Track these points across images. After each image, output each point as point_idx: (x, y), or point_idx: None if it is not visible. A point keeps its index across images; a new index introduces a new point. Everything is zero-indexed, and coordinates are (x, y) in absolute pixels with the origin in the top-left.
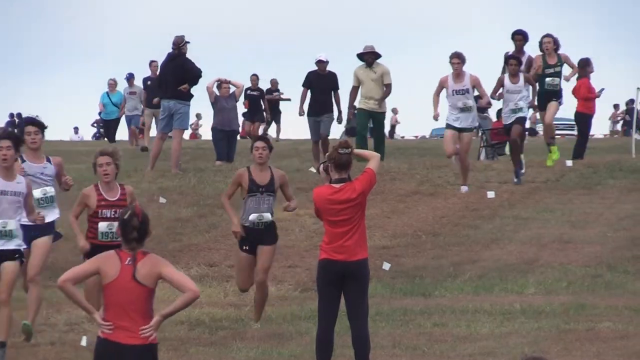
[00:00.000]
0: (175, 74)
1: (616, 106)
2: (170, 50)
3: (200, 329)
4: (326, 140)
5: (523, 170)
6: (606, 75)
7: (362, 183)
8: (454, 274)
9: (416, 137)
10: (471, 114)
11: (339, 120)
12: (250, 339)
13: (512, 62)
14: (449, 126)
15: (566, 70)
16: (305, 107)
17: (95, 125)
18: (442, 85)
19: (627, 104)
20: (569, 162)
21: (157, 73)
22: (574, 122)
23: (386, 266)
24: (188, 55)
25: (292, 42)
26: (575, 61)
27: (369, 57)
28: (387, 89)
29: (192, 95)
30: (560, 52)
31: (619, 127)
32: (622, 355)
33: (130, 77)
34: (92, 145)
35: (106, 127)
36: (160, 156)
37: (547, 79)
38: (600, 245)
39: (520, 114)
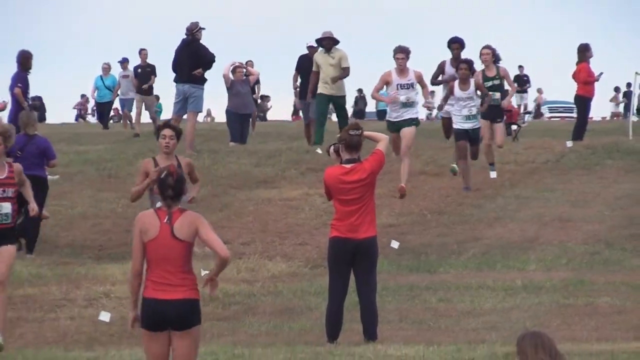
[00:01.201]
0: (190, 59)
1: (617, 89)
2: (184, 36)
3: (214, 305)
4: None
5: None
6: (608, 59)
7: (371, 163)
8: (458, 252)
9: (422, 118)
10: (413, 108)
11: None
12: (262, 313)
13: (463, 66)
14: (389, 125)
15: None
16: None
17: (77, 107)
18: (385, 80)
19: (626, 86)
20: (569, 143)
21: (146, 61)
22: (573, 105)
23: (395, 244)
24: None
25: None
26: (548, 60)
27: (327, 43)
28: (344, 71)
29: (205, 80)
30: (500, 65)
31: (621, 108)
32: (619, 329)
33: (124, 61)
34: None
35: (100, 109)
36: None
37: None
38: (599, 224)
39: (474, 122)
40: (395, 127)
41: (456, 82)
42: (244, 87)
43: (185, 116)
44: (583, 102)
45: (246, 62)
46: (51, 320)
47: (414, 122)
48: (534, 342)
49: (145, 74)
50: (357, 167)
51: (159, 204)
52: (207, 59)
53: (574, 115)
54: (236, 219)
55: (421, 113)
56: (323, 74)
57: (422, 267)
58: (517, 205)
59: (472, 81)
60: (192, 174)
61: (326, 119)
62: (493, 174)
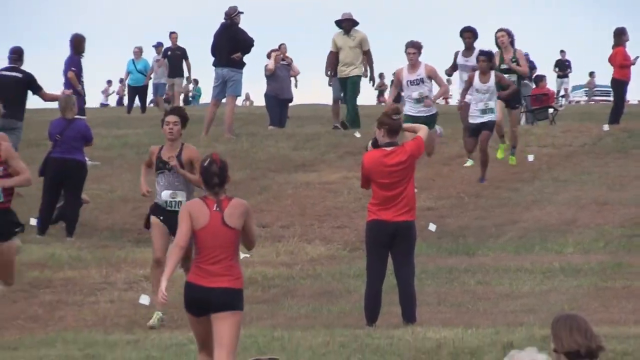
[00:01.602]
0: (229, 43)
1: None
2: (223, 20)
3: (253, 287)
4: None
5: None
6: None
7: (411, 147)
8: (497, 234)
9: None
10: (430, 105)
11: (371, 78)
12: (301, 296)
13: (482, 58)
14: (407, 119)
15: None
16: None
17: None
18: (397, 78)
19: None
20: (606, 127)
21: (176, 44)
22: (610, 89)
23: (432, 227)
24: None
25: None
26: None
27: (347, 24)
28: (368, 56)
29: (244, 64)
30: (516, 47)
31: None
32: None
33: (158, 46)
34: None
35: (132, 93)
36: (214, 122)
37: (505, 75)
38: (635, 207)
39: (490, 116)
40: (413, 122)
41: (476, 73)
42: (282, 71)
43: (224, 100)
44: (619, 85)
45: (279, 46)
46: (91, 303)
47: (433, 117)
48: (568, 324)
49: (175, 56)
50: (398, 150)
51: (167, 197)
52: (246, 43)
53: (611, 98)
54: (275, 202)
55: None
56: (342, 55)
57: (460, 250)
58: (555, 189)
59: (492, 74)
60: (195, 165)
61: (355, 100)
62: (530, 157)
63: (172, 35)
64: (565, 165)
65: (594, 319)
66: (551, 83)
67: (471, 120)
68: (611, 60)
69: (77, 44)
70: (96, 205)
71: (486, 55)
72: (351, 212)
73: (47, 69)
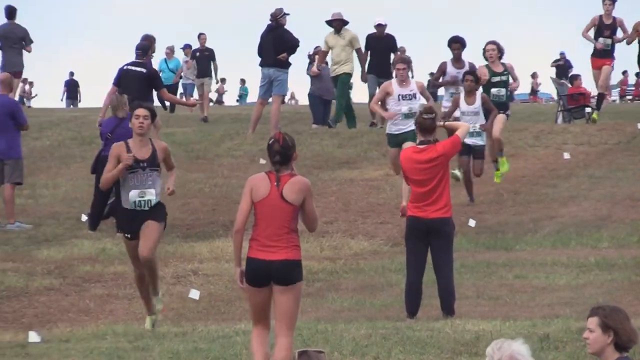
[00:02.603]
0: (275, 44)
1: None
2: (269, 21)
3: None
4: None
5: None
6: None
7: (444, 146)
8: (534, 230)
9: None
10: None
11: (363, 78)
12: (345, 290)
13: (469, 78)
14: (390, 140)
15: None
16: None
17: None
18: (385, 91)
19: None
20: None
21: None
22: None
23: (472, 223)
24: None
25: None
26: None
27: (337, 24)
28: (359, 54)
29: (290, 64)
30: (504, 61)
31: None
32: None
33: (186, 47)
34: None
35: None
36: (260, 120)
37: (493, 90)
38: None
39: (477, 139)
40: (395, 141)
41: (462, 95)
42: (325, 72)
43: (270, 99)
44: None
45: (316, 48)
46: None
47: (413, 133)
48: (626, 316)
49: (204, 57)
50: (429, 148)
51: (135, 197)
52: (291, 44)
53: None
54: (319, 198)
55: None
56: (333, 54)
57: (498, 245)
58: (590, 185)
59: (478, 94)
60: (167, 160)
61: (345, 98)
62: (567, 155)
63: (202, 36)
64: (600, 163)
65: (629, 312)
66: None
67: None
68: None
69: (145, 46)
70: None
71: (473, 75)
72: (393, 208)
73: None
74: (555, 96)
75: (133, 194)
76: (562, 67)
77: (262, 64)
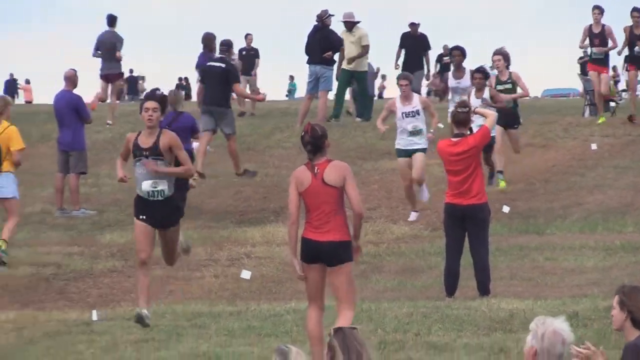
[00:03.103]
0: (321, 43)
1: None
2: (315, 23)
3: None
4: (446, 88)
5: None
6: None
7: (475, 139)
8: (563, 215)
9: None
10: (421, 137)
11: (427, 77)
12: (387, 272)
13: (478, 76)
14: (399, 153)
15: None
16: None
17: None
18: (389, 109)
19: None
20: None
21: (251, 45)
22: None
23: (506, 209)
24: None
25: None
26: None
27: (348, 24)
28: (363, 49)
29: (335, 61)
30: (511, 70)
31: None
32: None
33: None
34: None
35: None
36: (308, 114)
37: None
38: None
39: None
40: (404, 154)
41: (472, 91)
42: (368, 68)
43: (317, 94)
44: None
45: None
46: (197, 278)
47: (423, 150)
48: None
49: (249, 56)
50: (462, 141)
51: (147, 187)
52: (335, 43)
53: None
54: (363, 186)
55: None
56: (346, 51)
57: (530, 230)
58: (615, 174)
59: (487, 90)
60: (176, 152)
61: (344, 94)
62: (594, 146)
63: (248, 36)
64: (624, 154)
65: None
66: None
67: None
68: None
69: (208, 42)
70: (201, 189)
71: (481, 72)
72: (432, 195)
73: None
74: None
75: (146, 184)
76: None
77: (309, 62)
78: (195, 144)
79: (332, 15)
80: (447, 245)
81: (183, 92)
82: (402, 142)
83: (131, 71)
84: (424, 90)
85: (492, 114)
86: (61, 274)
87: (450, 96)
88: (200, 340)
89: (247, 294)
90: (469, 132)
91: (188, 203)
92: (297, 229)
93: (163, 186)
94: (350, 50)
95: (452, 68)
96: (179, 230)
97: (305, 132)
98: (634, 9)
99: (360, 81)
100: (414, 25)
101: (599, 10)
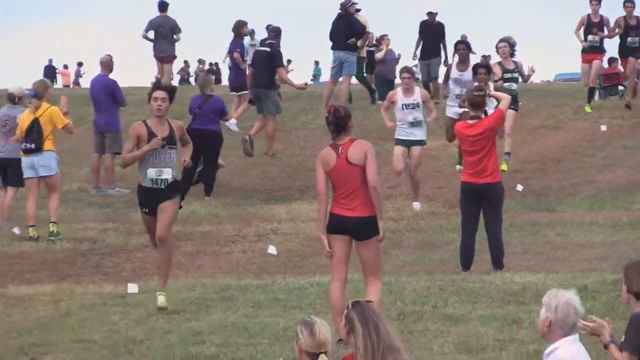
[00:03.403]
0: (344, 30)
1: None
2: (339, 11)
3: None
4: (436, 83)
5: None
6: None
7: (490, 121)
8: (573, 193)
9: (542, 81)
10: (421, 128)
11: (445, 64)
12: (407, 247)
13: (482, 71)
14: (398, 142)
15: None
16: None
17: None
18: (390, 100)
19: None
20: None
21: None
22: None
23: (519, 187)
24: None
25: None
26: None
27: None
28: (364, 37)
29: (358, 47)
30: (515, 59)
31: None
32: None
33: (252, 32)
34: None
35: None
36: (332, 97)
37: (505, 84)
38: None
39: None
40: (402, 144)
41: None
42: (389, 56)
43: (340, 79)
44: None
45: (383, 37)
46: (226, 253)
47: (422, 143)
48: (639, 268)
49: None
50: (477, 124)
51: (152, 175)
52: (358, 30)
53: None
54: (384, 166)
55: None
56: None
57: (542, 207)
58: (624, 154)
59: (491, 84)
60: (183, 138)
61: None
62: (603, 127)
63: (269, 27)
64: (633, 134)
65: None
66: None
67: None
68: None
69: (238, 29)
70: (230, 169)
71: (485, 67)
72: (449, 175)
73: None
74: None
75: (151, 172)
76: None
77: (333, 48)
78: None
79: (356, 4)
80: (463, 222)
81: (213, 77)
82: (402, 132)
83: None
84: (441, 76)
85: (506, 96)
86: (97, 249)
87: (451, 86)
88: (228, 312)
89: (273, 268)
90: (483, 115)
91: (218, 182)
92: (326, 207)
93: (167, 175)
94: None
95: (456, 59)
96: (176, 209)
97: (329, 112)
98: (627, 1)
99: (358, 65)
100: (431, 14)
101: (597, 1)
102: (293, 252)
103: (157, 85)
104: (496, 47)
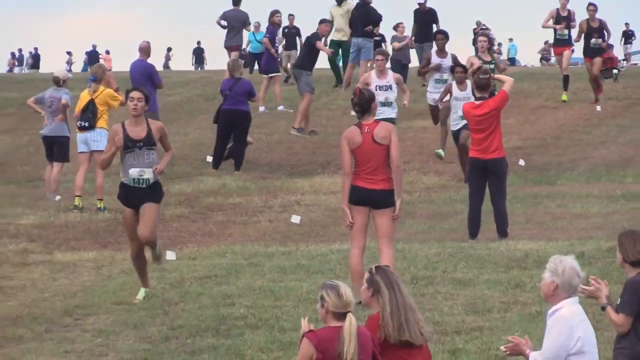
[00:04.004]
0: (362, 19)
1: None
2: (358, 1)
3: None
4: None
5: None
6: None
7: (495, 101)
8: (571, 168)
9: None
10: (391, 108)
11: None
12: (419, 217)
13: (459, 69)
14: None
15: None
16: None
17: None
18: (365, 82)
19: None
20: None
21: (293, 24)
22: None
23: (522, 162)
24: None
25: None
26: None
27: None
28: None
29: (374, 34)
30: (495, 52)
31: None
32: None
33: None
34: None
35: (252, 58)
36: (352, 80)
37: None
38: None
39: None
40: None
41: (454, 83)
42: (401, 41)
43: (359, 63)
44: None
45: (399, 24)
46: (254, 222)
47: (392, 120)
48: (633, 238)
49: (291, 34)
50: (483, 104)
51: (135, 174)
52: (375, 18)
53: None
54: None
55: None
56: (335, 23)
57: (543, 180)
58: (617, 132)
59: (468, 82)
60: (163, 140)
61: (335, 62)
62: (598, 107)
63: (290, 17)
64: (625, 114)
65: None
66: (618, 50)
67: (453, 128)
68: None
69: (272, 17)
70: (258, 145)
71: (462, 66)
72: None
73: None
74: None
75: (133, 172)
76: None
77: (352, 35)
78: (262, 109)
79: None
80: (471, 194)
81: (242, 61)
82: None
83: (198, 43)
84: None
85: (509, 79)
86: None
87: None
88: (255, 277)
89: (297, 236)
90: (487, 96)
91: (246, 157)
92: (350, 181)
93: (149, 175)
94: (339, 22)
95: (435, 48)
96: (158, 211)
97: (354, 95)
98: (590, 4)
99: (345, 50)
100: (421, 3)
101: None
102: (315, 222)
103: (133, 87)
104: (475, 40)
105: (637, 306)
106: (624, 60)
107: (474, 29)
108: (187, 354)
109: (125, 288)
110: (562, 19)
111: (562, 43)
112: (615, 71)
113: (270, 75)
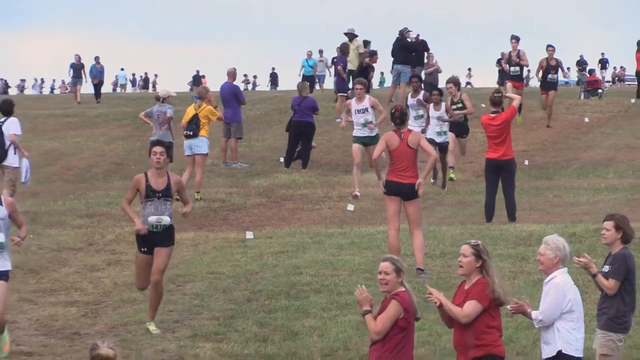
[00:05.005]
0: (400, 50)
1: None
2: (397, 36)
3: None
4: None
5: (445, 188)
6: None
7: (507, 114)
8: (566, 166)
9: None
10: (372, 129)
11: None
12: (446, 205)
13: (435, 92)
14: (355, 139)
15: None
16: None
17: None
18: (347, 107)
19: None
20: (632, 100)
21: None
22: (634, 76)
23: (526, 162)
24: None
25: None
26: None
27: (350, 36)
28: (360, 55)
29: (412, 62)
30: (461, 92)
31: None
32: None
33: (321, 51)
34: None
35: (306, 80)
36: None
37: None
38: None
39: (444, 137)
40: (358, 141)
41: (431, 105)
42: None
43: (399, 85)
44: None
45: (428, 54)
46: (317, 209)
47: (374, 139)
48: (625, 220)
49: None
50: (498, 116)
51: (153, 221)
52: (412, 50)
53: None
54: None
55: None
56: (349, 56)
57: (543, 176)
58: (602, 138)
59: (442, 105)
60: (181, 193)
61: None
62: (586, 119)
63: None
64: (607, 124)
65: (630, 219)
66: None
67: (429, 135)
68: (636, 58)
69: (344, 48)
70: (320, 149)
71: (438, 90)
72: (477, 153)
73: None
74: (577, 81)
75: (152, 219)
76: (582, 63)
77: (393, 62)
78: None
79: (410, 31)
80: (487, 187)
81: (308, 83)
82: (358, 132)
83: (273, 68)
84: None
85: (518, 97)
86: (224, 207)
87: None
88: (319, 252)
89: (351, 220)
90: (501, 110)
91: (311, 158)
92: (379, 167)
93: (166, 222)
94: (351, 55)
95: (410, 90)
96: (170, 254)
97: (396, 109)
98: (549, 45)
99: (354, 77)
100: (408, 33)
101: (515, 39)
102: (365, 209)
103: (155, 142)
104: (446, 88)
105: (624, 273)
106: (607, 82)
107: (411, 77)
108: (265, 312)
109: (216, 261)
110: (512, 58)
111: (514, 79)
112: (600, 90)
113: (340, 94)
